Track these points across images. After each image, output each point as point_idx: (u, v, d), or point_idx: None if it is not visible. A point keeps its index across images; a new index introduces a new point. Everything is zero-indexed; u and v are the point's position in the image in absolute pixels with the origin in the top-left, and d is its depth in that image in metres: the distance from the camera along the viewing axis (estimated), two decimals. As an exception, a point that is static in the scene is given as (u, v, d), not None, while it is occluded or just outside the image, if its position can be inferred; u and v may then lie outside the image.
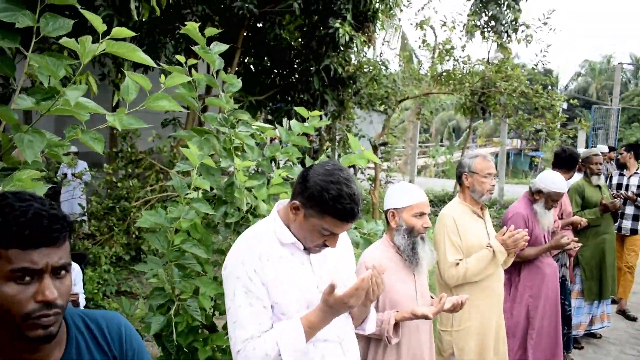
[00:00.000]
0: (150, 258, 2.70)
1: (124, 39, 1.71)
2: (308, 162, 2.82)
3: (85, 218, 7.29)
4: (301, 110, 3.19)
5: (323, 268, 1.81)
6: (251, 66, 10.06)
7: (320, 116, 3.35)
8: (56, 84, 1.58)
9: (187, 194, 3.39)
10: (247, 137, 3.10)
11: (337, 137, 13.35)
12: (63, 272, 1.15)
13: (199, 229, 3.00)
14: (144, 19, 4.62)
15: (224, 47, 2.95)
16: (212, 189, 3.08)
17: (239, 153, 3.08)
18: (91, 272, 5.34)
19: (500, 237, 2.93)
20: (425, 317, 2.23)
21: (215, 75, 2.93)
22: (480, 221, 3.11)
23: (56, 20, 1.87)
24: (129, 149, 7.50)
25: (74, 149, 9.06)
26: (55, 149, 1.88)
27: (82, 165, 8.97)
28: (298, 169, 3.10)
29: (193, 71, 2.74)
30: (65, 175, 8.74)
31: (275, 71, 9.79)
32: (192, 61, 2.75)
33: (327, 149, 12.99)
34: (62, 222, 1.13)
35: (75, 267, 4.47)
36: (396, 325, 2.27)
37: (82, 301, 4.37)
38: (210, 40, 2.81)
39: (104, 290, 5.68)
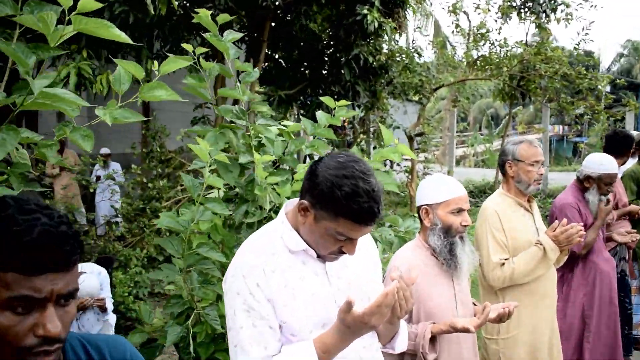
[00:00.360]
0: (165, 265, 2.51)
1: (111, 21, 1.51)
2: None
3: (119, 219, 7.25)
4: (327, 100, 2.98)
5: (342, 278, 1.53)
6: (280, 60, 9.86)
7: (353, 106, 3.10)
8: (24, 73, 1.37)
9: (208, 193, 3.21)
10: (266, 129, 2.89)
11: (372, 129, 13.07)
12: (70, 299, 0.95)
13: (220, 230, 2.82)
14: (162, 14, 4.44)
15: (237, 35, 2.76)
16: (233, 187, 2.90)
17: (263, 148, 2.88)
18: (122, 274, 5.24)
19: (552, 233, 2.59)
20: (466, 331, 1.93)
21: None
22: (528, 215, 2.77)
23: (42, 8, 1.68)
24: (159, 149, 7.42)
25: (106, 150, 9.10)
26: (43, 149, 1.70)
27: (114, 166, 8.99)
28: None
29: (202, 60, 2.53)
30: (99, 177, 8.77)
31: (305, 64, 9.58)
32: (200, 49, 2.55)
33: (361, 141, 12.73)
34: (72, 242, 0.93)
35: (102, 271, 4.36)
36: (433, 338, 1.97)
37: (109, 306, 4.26)
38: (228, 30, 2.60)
39: (135, 293, 5.57)
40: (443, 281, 2.09)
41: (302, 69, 9.57)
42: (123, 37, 1.33)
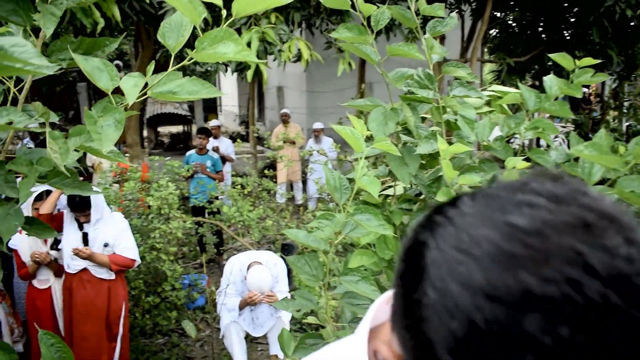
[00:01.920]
0: (300, 292, 1.86)
1: None
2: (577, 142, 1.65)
3: (320, 196, 7.02)
4: (560, 58, 2.04)
5: None
6: (511, 22, 8.51)
7: (600, 67, 2.06)
8: None
9: (385, 189, 2.53)
10: (464, 105, 2.02)
11: (626, 104, 10.81)
12: None
13: (391, 244, 2.10)
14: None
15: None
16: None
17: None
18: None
19: None
20: None
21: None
22: None
23: None
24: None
25: (319, 125, 8.96)
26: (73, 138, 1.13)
27: (326, 141, 8.80)
28: (557, 153, 2.01)
29: (360, 2, 1.76)
30: (311, 152, 8.70)
31: (541, 25, 8.08)
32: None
33: (613, 120, 10.58)
34: None
35: (279, 262, 3.91)
36: None
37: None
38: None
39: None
40: None
41: (538, 31, 8.11)
42: None
